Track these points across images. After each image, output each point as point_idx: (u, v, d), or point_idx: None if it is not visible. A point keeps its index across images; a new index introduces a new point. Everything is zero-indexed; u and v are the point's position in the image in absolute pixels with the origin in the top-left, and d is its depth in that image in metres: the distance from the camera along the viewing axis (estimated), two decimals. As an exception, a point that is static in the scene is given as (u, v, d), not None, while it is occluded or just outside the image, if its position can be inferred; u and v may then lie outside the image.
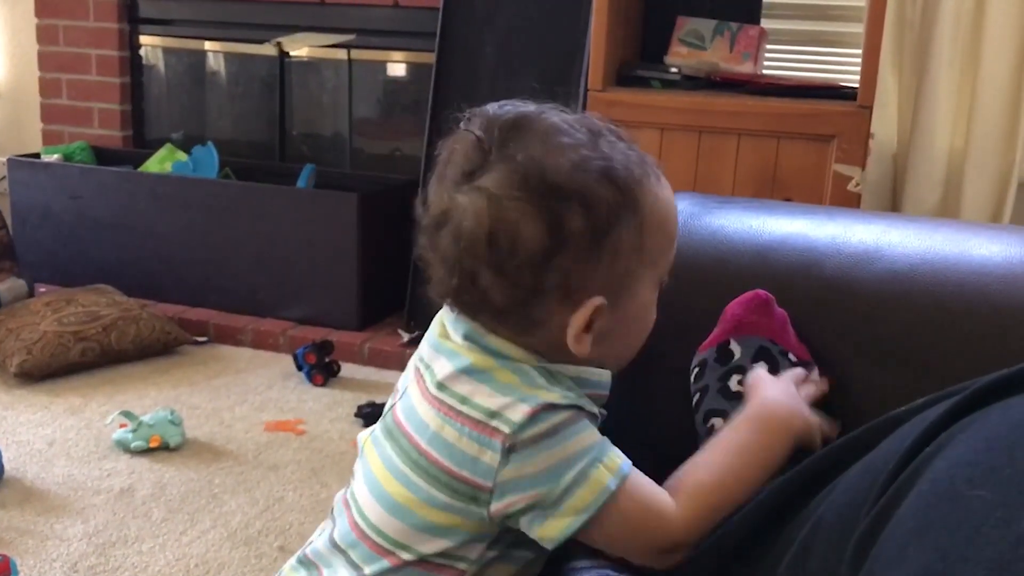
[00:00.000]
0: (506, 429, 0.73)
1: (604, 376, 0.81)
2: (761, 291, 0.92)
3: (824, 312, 0.92)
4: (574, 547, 0.87)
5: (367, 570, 0.80)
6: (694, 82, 2.22)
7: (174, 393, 2.42)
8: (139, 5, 3.33)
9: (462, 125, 0.77)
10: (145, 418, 2.11)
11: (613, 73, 2.22)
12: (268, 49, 3.19)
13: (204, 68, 3.37)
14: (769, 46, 2.38)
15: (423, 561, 0.78)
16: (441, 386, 0.77)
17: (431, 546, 0.77)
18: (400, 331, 2.75)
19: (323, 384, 2.51)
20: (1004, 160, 2.39)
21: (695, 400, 0.92)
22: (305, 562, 0.85)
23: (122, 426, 2.11)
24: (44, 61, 3.45)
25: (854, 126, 1.98)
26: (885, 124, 2.46)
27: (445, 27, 2.74)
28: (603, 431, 0.78)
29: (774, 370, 0.88)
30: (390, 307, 2.87)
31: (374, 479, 0.81)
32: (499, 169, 0.73)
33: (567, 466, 0.73)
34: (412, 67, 3.09)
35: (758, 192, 2.06)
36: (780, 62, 2.66)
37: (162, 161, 3.14)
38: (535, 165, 0.73)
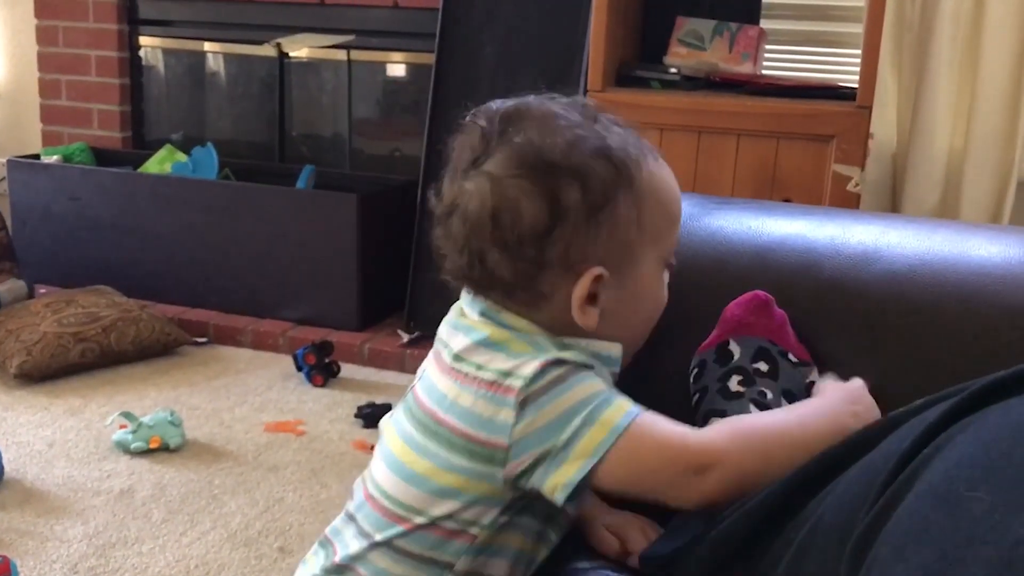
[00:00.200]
0: (518, 384, 0.76)
1: (615, 351, 0.83)
2: (761, 292, 0.92)
3: (824, 312, 0.92)
4: (575, 547, 0.88)
5: (378, 536, 0.81)
6: (693, 82, 2.22)
7: (174, 394, 2.42)
8: (139, 6, 3.33)
9: (467, 119, 0.82)
10: (145, 419, 2.11)
11: (612, 73, 2.22)
12: (268, 50, 3.19)
13: (204, 69, 3.37)
14: (768, 46, 2.38)
15: (435, 525, 0.79)
16: (458, 357, 0.81)
17: (443, 508, 0.78)
18: (400, 332, 2.75)
19: (323, 385, 2.51)
20: (1004, 160, 2.39)
21: (695, 400, 0.92)
22: (323, 542, 0.87)
23: (122, 427, 2.11)
24: (44, 62, 3.45)
25: (853, 126, 1.98)
26: (884, 124, 2.46)
27: (445, 27, 2.74)
28: None
29: (774, 370, 0.88)
30: (390, 307, 2.87)
31: (391, 454, 0.84)
32: (500, 153, 0.79)
33: (575, 412, 0.75)
34: (412, 68, 3.09)
35: (757, 192, 2.06)
36: (779, 62, 2.66)
37: (162, 162, 3.14)
38: (532, 146, 0.78)
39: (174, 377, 2.54)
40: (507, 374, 0.77)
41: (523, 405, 0.75)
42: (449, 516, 0.78)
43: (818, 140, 2.01)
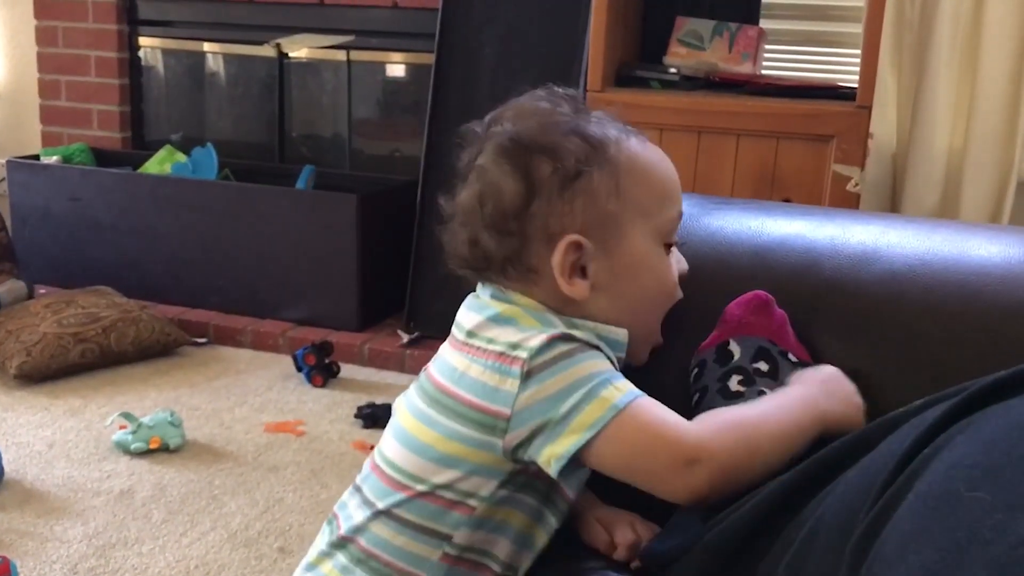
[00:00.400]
0: (524, 355, 0.78)
1: (621, 335, 0.85)
2: (761, 292, 0.92)
3: (824, 312, 0.92)
4: (576, 547, 0.88)
5: (380, 504, 0.83)
6: (693, 82, 2.22)
7: (174, 394, 2.42)
8: (138, 6, 3.33)
9: (467, 130, 0.88)
10: (145, 419, 2.11)
11: (612, 73, 2.22)
12: (267, 50, 3.20)
13: (203, 69, 3.37)
14: (768, 46, 2.39)
15: (434, 495, 0.81)
16: (471, 333, 0.84)
17: (443, 476, 0.80)
18: (400, 332, 2.75)
19: (323, 385, 2.51)
20: (1003, 160, 2.39)
21: (695, 400, 0.92)
22: (330, 519, 0.89)
23: (122, 427, 2.11)
24: (43, 62, 3.45)
25: (853, 126, 1.98)
26: (884, 124, 2.46)
27: (444, 28, 2.74)
28: None
29: (774, 370, 0.88)
30: (390, 308, 2.87)
31: (400, 427, 0.86)
32: (487, 147, 0.85)
33: (577, 386, 0.77)
34: (411, 68, 3.10)
35: (757, 192, 2.06)
36: (779, 62, 2.66)
37: (161, 162, 3.14)
38: (511, 133, 0.84)
39: (174, 378, 2.54)
40: (515, 346, 0.79)
41: (527, 376, 0.77)
42: (448, 486, 0.80)
43: (818, 140, 2.01)
